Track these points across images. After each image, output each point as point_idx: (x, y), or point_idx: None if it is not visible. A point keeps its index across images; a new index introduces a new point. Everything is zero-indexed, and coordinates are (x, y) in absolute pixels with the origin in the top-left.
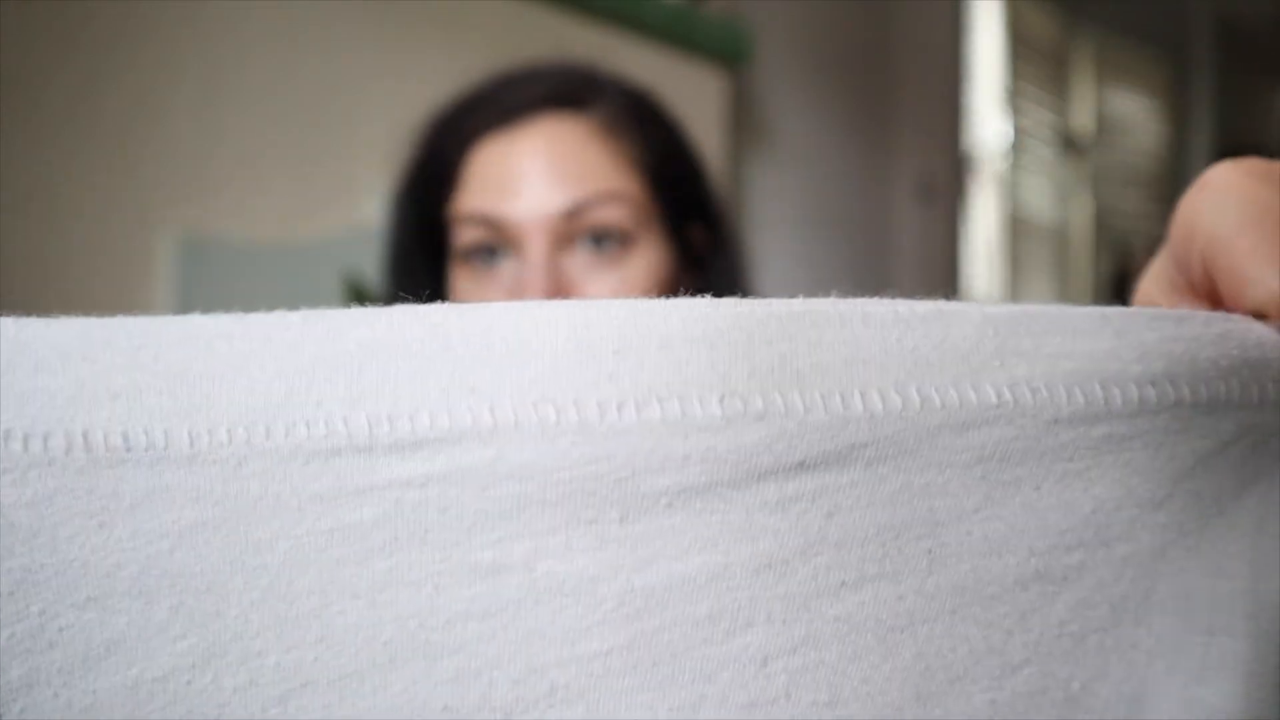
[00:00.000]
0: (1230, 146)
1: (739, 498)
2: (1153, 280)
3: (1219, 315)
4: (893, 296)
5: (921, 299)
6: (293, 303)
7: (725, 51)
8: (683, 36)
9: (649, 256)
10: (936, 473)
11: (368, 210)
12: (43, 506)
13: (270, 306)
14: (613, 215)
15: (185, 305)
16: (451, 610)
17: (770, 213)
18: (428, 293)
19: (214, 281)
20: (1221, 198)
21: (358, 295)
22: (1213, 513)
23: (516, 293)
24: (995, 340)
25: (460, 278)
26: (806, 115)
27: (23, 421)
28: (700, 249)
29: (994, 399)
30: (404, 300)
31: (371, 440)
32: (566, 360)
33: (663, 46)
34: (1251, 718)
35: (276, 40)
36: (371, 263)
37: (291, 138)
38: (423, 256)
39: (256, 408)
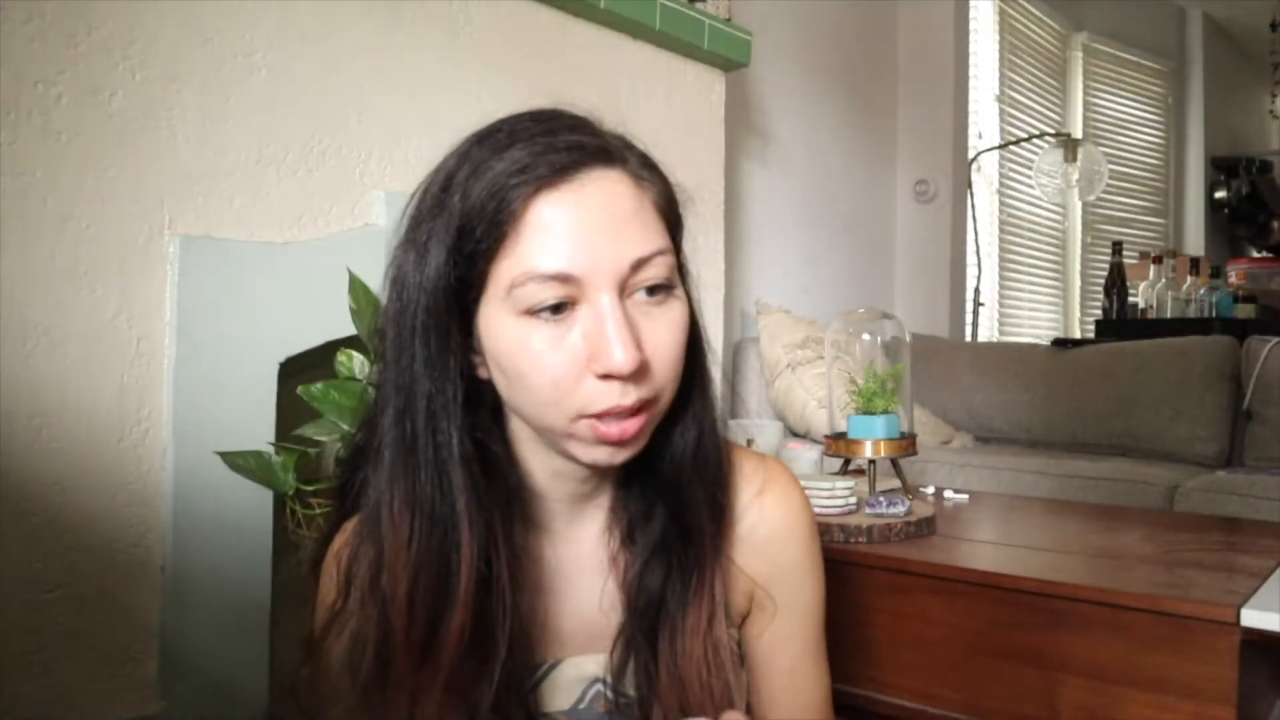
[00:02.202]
0: (1221, 147)
1: None
2: None
3: None
4: (893, 293)
5: (921, 296)
6: (294, 298)
7: (725, 53)
8: (683, 38)
9: (683, 299)
10: None
11: (368, 209)
12: None
13: (271, 303)
14: (664, 266)
15: (188, 302)
16: None
17: (770, 212)
18: (458, 350)
19: (216, 279)
20: None
21: (362, 291)
22: None
23: (595, 340)
24: None
25: (523, 332)
26: (806, 116)
27: None
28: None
29: None
30: (427, 364)
31: None
32: None
33: (663, 48)
34: None
35: (278, 42)
36: (370, 260)
37: (293, 139)
38: (456, 313)
39: None
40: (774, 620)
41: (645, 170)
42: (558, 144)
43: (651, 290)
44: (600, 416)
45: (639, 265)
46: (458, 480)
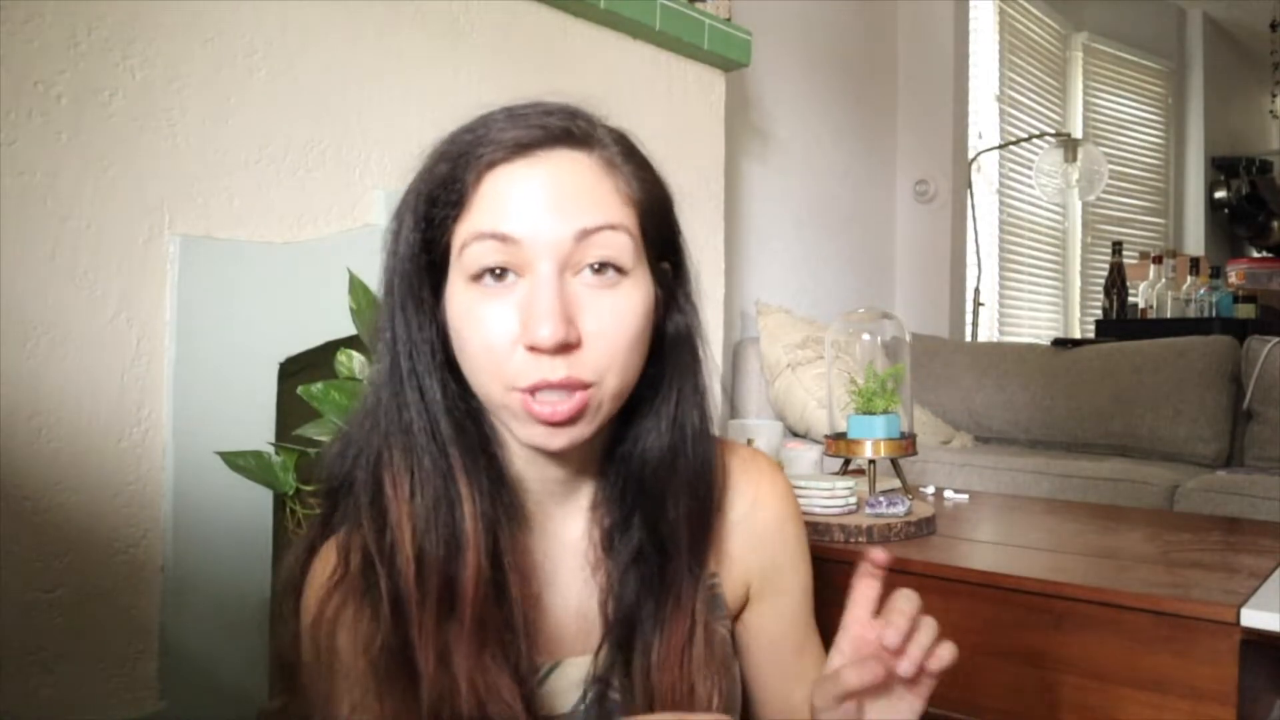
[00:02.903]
0: (1221, 147)
1: None
2: None
3: None
4: (893, 293)
5: (921, 296)
6: (294, 298)
7: (725, 53)
8: (683, 38)
9: (641, 288)
10: None
11: (368, 209)
12: None
13: (271, 303)
14: (614, 245)
15: (188, 302)
16: None
17: (770, 212)
18: (428, 314)
19: (216, 279)
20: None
21: (362, 291)
22: None
23: (527, 311)
24: None
25: (469, 298)
26: (806, 116)
27: None
28: (668, 283)
29: None
30: (406, 326)
31: None
32: None
33: (663, 48)
34: None
35: (278, 42)
36: (370, 260)
37: (293, 139)
38: (426, 277)
39: None
40: (778, 604)
41: (626, 162)
42: (523, 124)
43: (599, 269)
44: (531, 392)
45: (583, 236)
46: (446, 430)
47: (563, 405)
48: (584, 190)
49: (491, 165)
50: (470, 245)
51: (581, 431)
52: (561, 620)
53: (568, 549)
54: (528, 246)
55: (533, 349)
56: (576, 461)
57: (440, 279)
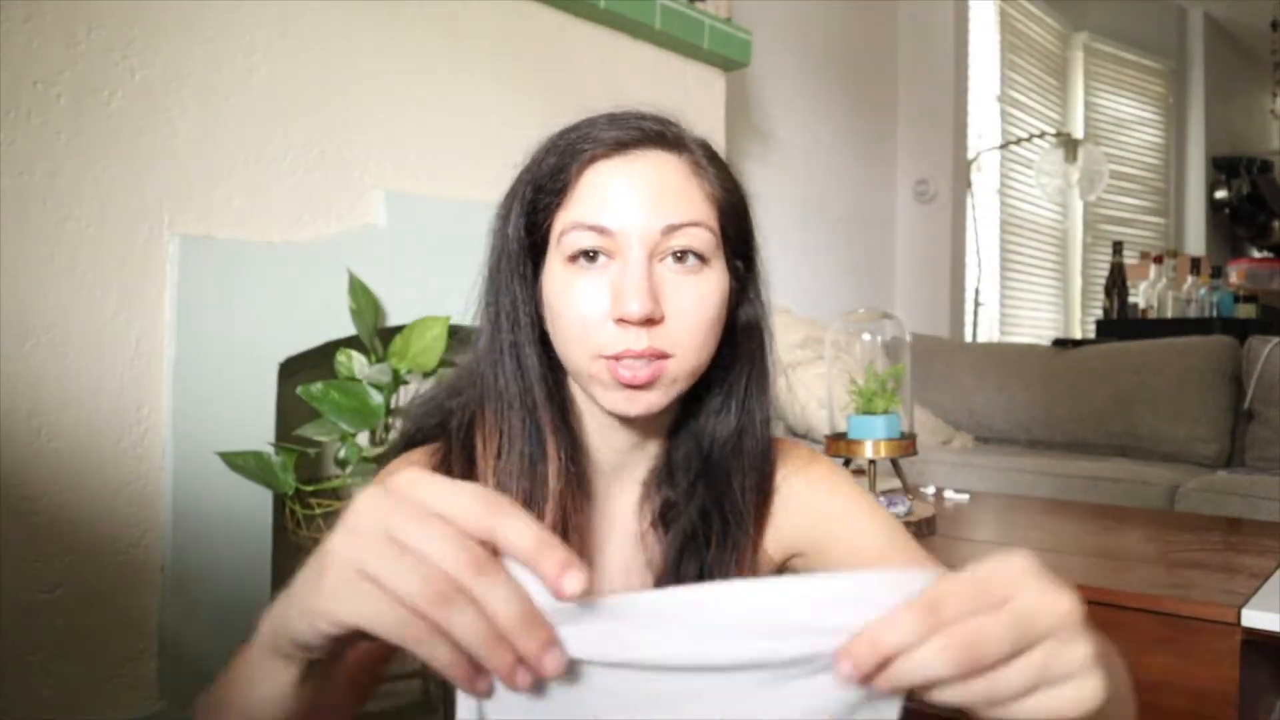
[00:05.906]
0: (1221, 147)
1: None
2: None
3: None
4: (893, 293)
5: (921, 296)
6: (294, 298)
7: (725, 53)
8: (683, 38)
9: (718, 277)
10: None
11: (368, 209)
12: None
13: (271, 303)
14: (696, 238)
15: (188, 302)
16: None
17: (770, 212)
18: (529, 290)
19: (216, 279)
20: None
21: (362, 291)
22: None
23: (618, 288)
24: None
25: (566, 276)
26: (806, 116)
27: None
28: (741, 277)
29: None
30: (511, 300)
31: None
32: None
33: (663, 48)
34: None
35: (278, 42)
36: (370, 260)
37: (292, 139)
38: (528, 257)
39: None
40: (854, 544)
41: (710, 165)
42: (622, 125)
43: (680, 257)
44: (616, 359)
45: (670, 230)
46: (539, 395)
47: (643, 371)
48: (674, 189)
49: (593, 160)
50: (570, 232)
51: (657, 399)
52: (600, 587)
53: (619, 518)
54: (620, 237)
55: (621, 321)
56: (643, 432)
57: (540, 259)
